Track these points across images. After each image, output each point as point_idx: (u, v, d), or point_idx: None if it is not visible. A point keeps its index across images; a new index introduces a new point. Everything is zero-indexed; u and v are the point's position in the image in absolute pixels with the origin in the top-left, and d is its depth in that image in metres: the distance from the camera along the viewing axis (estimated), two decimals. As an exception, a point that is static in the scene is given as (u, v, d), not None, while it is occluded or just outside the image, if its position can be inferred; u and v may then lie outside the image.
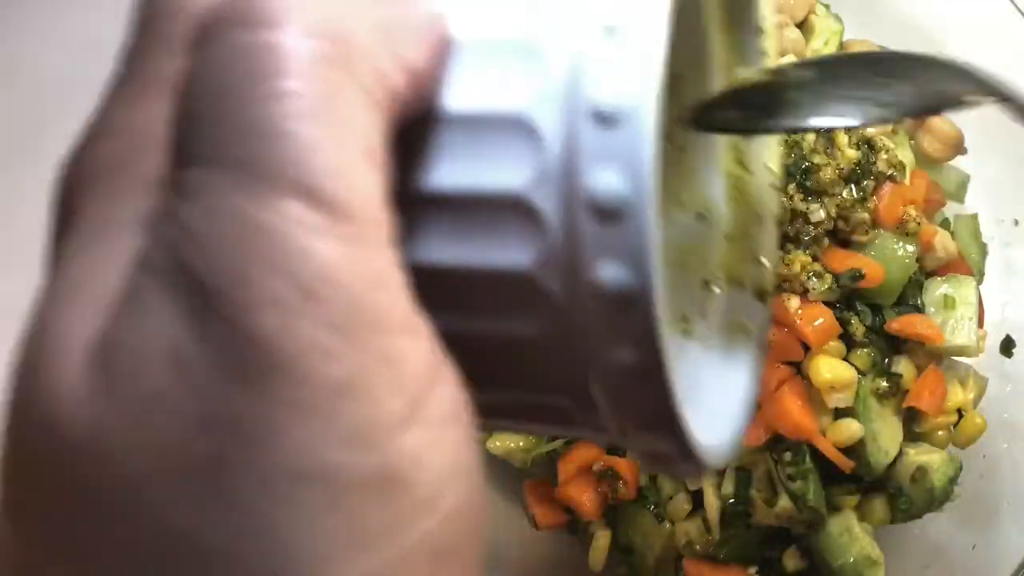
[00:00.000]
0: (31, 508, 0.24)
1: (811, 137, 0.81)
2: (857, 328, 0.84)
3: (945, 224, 0.96)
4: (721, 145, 0.42)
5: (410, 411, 0.24)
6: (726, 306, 0.40)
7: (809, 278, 0.81)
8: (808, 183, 0.79)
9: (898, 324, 0.84)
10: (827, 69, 0.47)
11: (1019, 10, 0.92)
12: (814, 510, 0.82)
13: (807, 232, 0.80)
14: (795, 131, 0.80)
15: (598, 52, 0.25)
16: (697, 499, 0.89)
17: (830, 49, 0.94)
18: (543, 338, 0.27)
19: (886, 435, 0.85)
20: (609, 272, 0.25)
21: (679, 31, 0.27)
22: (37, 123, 1.15)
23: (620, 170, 0.25)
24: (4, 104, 1.15)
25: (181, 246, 0.23)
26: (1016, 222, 0.97)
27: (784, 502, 0.83)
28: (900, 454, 0.86)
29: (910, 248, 0.84)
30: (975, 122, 0.95)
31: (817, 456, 0.83)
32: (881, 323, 0.85)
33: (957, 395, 0.87)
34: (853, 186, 0.81)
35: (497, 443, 0.88)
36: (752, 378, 0.40)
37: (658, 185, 0.25)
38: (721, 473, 0.87)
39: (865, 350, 0.85)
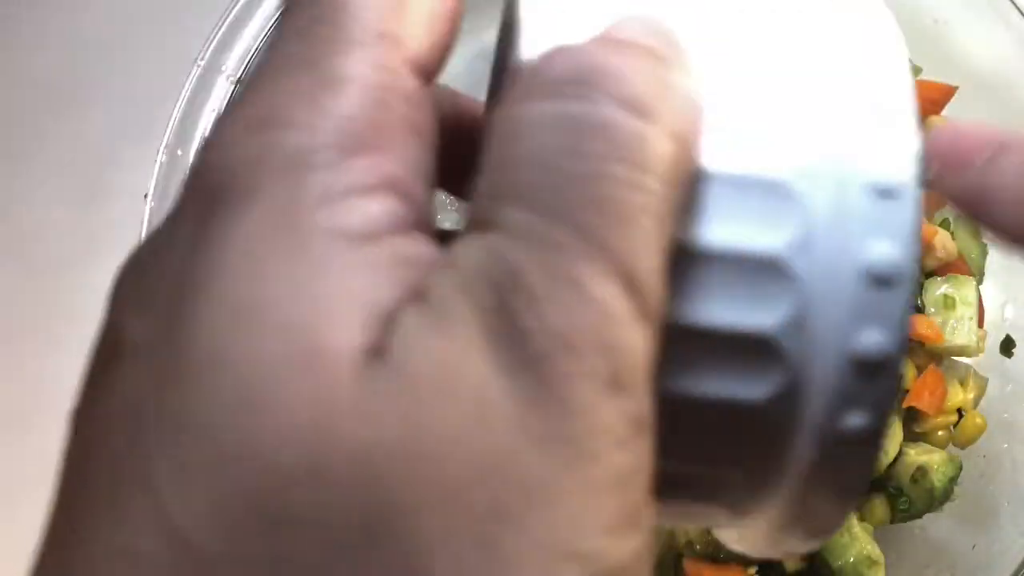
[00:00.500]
0: (258, 521, 0.22)
1: None
2: None
3: (945, 224, 0.96)
4: None
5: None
6: None
7: None
8: None
9: None
10: None
11: (1019, 10, 0.92)
12: None
13: None
14: None
15: (867, 213, 0.27)
16: (697, 499, 0.89)
17: (830, 49, 0.94)
18: (767, 402, 0.27)
19: (886, 435, 0.85)
20: (872, 337, 0.27)
21: None
22: (36, 123, 1.15)
23: (893, 245, 0.27)
24: (4, 104, 1.15)
25: (515, 297, 0.23)
26: (1016, 222, 0.97)
27: (784, 502, 0.83)
28: (900, 454, 0.86)
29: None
30: (975, 122, 0.95)
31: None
32: None
33: (957, 395, 0.87)
34: None
35: (497, 443, 0.88)
36: None
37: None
38: None
39: None
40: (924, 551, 0.90)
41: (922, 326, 0.84)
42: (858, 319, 0.27)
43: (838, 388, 0.27)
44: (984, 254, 0.96)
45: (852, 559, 0.83)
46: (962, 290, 0.87)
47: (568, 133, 0.25)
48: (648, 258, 0.24)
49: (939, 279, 0.88)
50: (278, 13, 0.86)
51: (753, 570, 0.87)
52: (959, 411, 0.88)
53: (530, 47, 0.28)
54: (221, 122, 0.26)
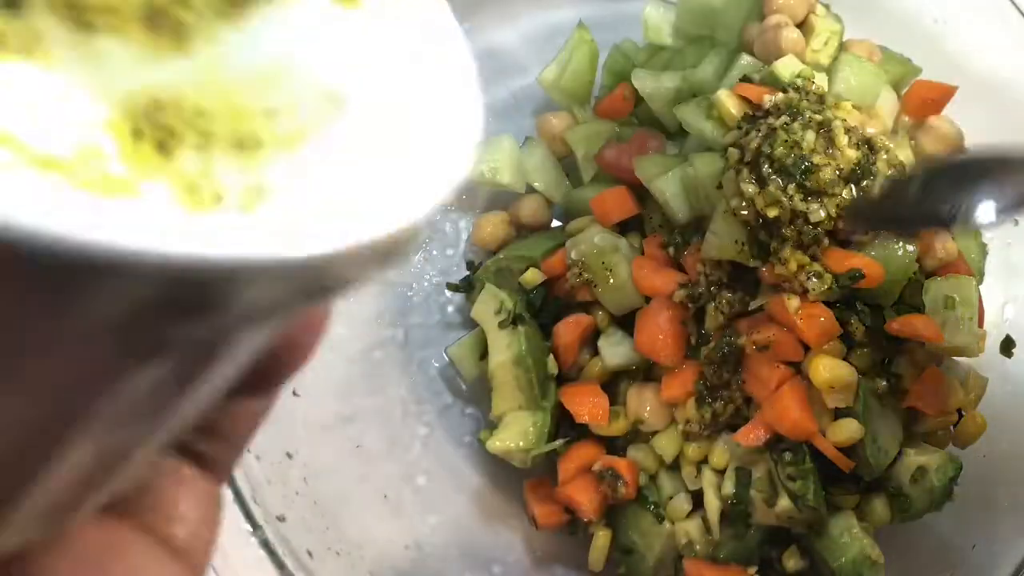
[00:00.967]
0: None
1: (811, 137, 0.81)
2: (857, 328, 0.84)
3: (945, 224, 0.96)
4: None
5: None
6: None
7: (809, 278, 0.81)
8: (808, 183, 0.79)
9: (898, 324, 0.84)
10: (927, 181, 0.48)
11: (1019, 10, 0.92)
12: (814, 510, 0.82)
13: (807, 232, 0.80)
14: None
15: None
16: (697, 499, 0.89)
17: (830, 49, 0.94)
18: None
19: (886, 435, 0.85)
20: None
21: None
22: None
23: None
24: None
25: None
26: (1016, 222, 0.97)
27: (784, 502, 0.83)
28: (900, 454, 0.86)
29: (910, 248, 0.84)
30: (975, 122, 0.95)
31: (817, 456, 0.83)
32: (881, 323, 0.85)
33: (957, 395, 0.87)
34: (853, 186, 0.81)
35: (497, 443, 0.88)
36: None
37: None
38: (721, 473, 0.87)
39: (865, 350, 0.85)
40: (924, 551, 0.90)
41: (922, 326, 0.84)
42: None
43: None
44: (984, 254, 0.97)
45: (852, 559, 0.83)
46: (962, 290, 0.87)
47: None
48: None
49: (939, 279, 0.88)
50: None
51: (753, 570, 0.88)
52: (959, 411, 0.88)
53: None
54: None
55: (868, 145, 0.83)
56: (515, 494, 0.96)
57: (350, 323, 0.97)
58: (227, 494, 0.73)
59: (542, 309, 0.94)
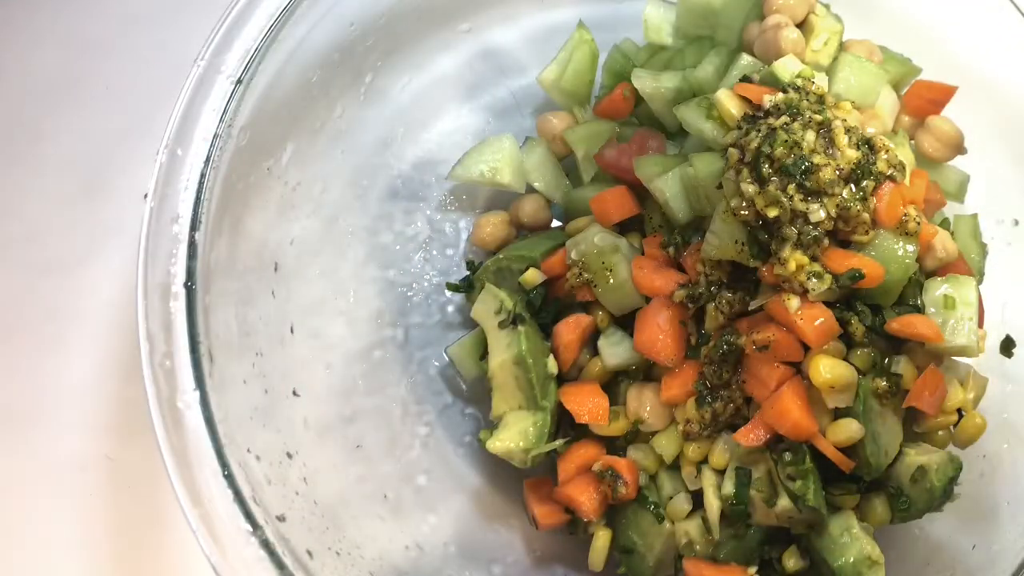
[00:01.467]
0: None
1: (811, 137, 0.81)
2: (857, 328, 0.84)
3: (945, 224, 0.96)
4: None
5: None
6: None
7: (809, 278, 0.81)
8: (808, 183, 0.79)
9: (898, 324, 0.84)
10: None
11: (1019, 10, 0.92)
12: (814, 510, 0.82)
13: (807, 232, 0.80)
14: None
15: None
16: (697, 499, 0.89)
17: (830, 49, 0.94)
18: None
19: (886, 435, 0.85)
20: None
21: None
22: (36, 124, 1.16)
23: None
24: (4, 104, 1.16)
25: None
26: (1016, 222, 0.97)
27: (784, 502, 0.83)
28: (900, 454, 0.86)
29: (910, 248, 0.84)
30: (975, 122, 0.95)
31: (817, 456, 0.83)
32: (881, 323, 0.85)
33: (957, 395, 0.87)
34: (853, 186, 0.81)
35: (497, 443, 0.88)
36: None
37: None
38: (721, 473, 0.87)
39: (865, 350, 0.85)
40: (924, 551, 0.90)
41: (922, 326, 0.84)
42: None
43: None
44: (984, 254, 0.97)
45: (852, 559, 0.83)
46: (962, 290, 0.87)
47: None
48: None
49: (939, 279, 0.88)
50: (279, 13, 0.86)
51: (753, 570, 0.88)
52: (959, 411, 0.88)
53: None
54: None
55: (868, 145, 0.83)
56: (515, 494, 0.96)
57: (350, 323, 0.97)
58: (227, 494, 0.73)
59: (542, 309, 0.94)
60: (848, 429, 0.82)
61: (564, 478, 0.91)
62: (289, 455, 0.85)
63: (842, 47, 0.96)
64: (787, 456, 0.83)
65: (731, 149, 0.83)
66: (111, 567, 0.98)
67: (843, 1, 0.98)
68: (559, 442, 0.90)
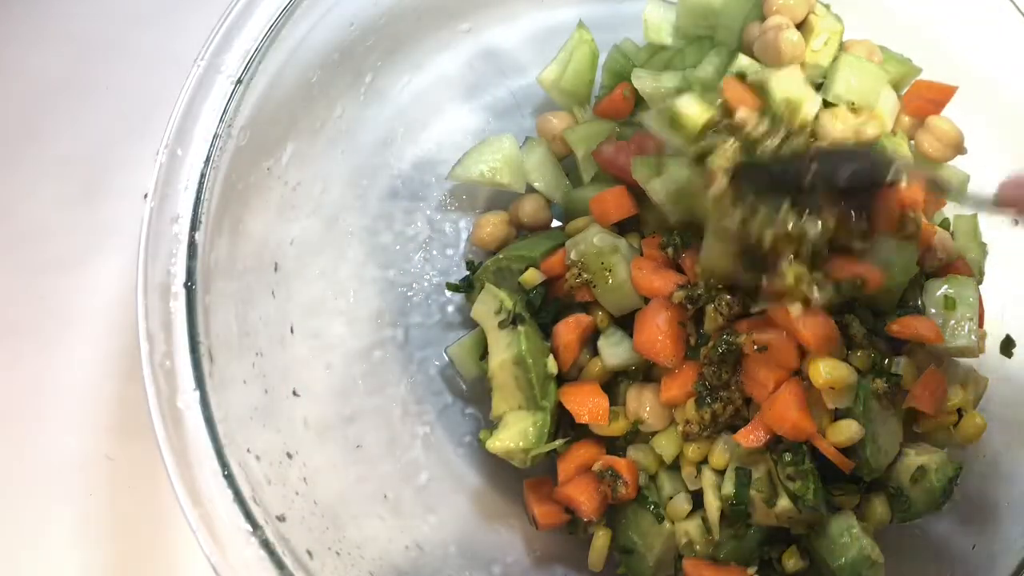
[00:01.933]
0: None
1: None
2: (857, 331, 0.84)
3: (945, 224, 0.96)
4: None
5: None
6: None
7: (810, 287, 0.81)
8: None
9: (898, 326, 0.84)
10: None
11: (1019, 10, 0.92)
12: (814, 510, 0.82)
13: (805, 246, 0.80)
14: None
15: None
16: (697, 499, 0.89)
17: (830, 49, 0.94)
18: None
19: (886, 435, 0.85)
20: None
21: None
22: (36, 123, 1.16)
23: None
24: (4, 104, 1.16)
25: None
26: (1016, 222, 0.97)
27: (784, 502, 0.83)
28: (900, 454, 0.86)
29: (910, 251, 0.84)
30: (975, 122, 0.95)
31: (817, 456, 0.83)
32: (882, 325, 0.85)
33: (957, 395, 0.87)
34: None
35: (497, 443, 0.88)
36: None
37: None
38: (721, 473, 0.87)
39: (865, 351, 0.85)
40: (924, 551, 0.90)
41: (923, 327, 0.84)
42: None
43: None
44: (984, 254, 0.97)
45: (852, 559, 0.83)
46: (962, 291, 0.87)
47: None
48: None
49: (939, 280, 0.88)
50: (279, 13, 0.86)
51: (753, 570, 0.88)
52: (959, 411, 0.88)
53: None
54: None
55: None
56: (515, 494, 0.96)
57: (350, 323, 0.97)
58: (227, 494, 0.73)
59: (542, 309, 0.94)
60: (848, 430, 0.82)
61: (564, 478, 0.91)
62: (289, 455, 0.85)
63: (842, 47, 0.96)
64: (787, 456, 0.83)
65: (716, 167, 0.82)
66: (111, 567, 0.98)
67: (843, 1, 0.98)
68: (559, 442, 0.90)
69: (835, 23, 0.95)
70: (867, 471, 0.84)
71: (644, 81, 0.96)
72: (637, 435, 0.92)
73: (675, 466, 0.90)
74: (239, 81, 0.82)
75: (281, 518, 0.78)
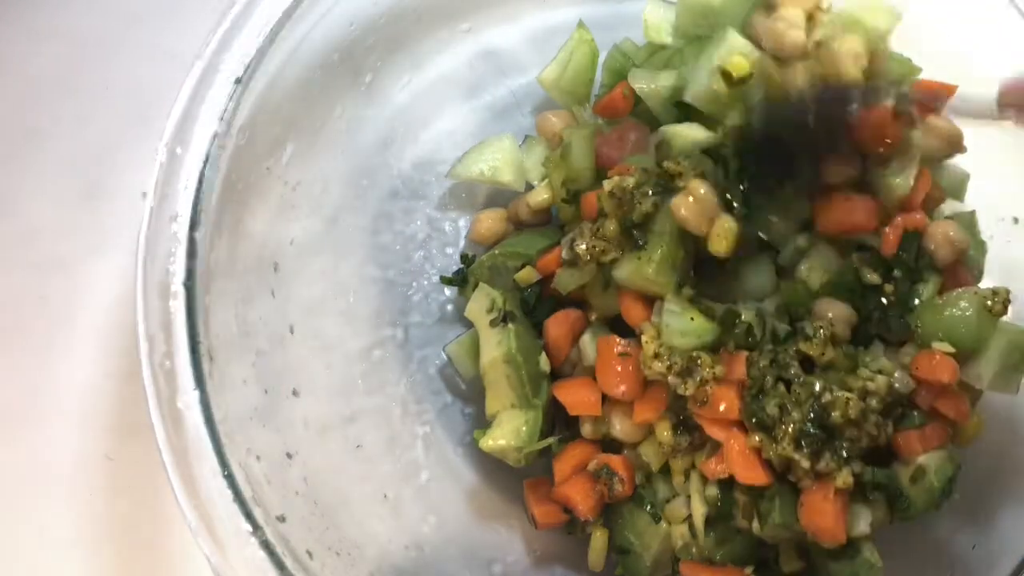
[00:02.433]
0: None
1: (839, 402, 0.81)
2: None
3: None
4: None
5: None
6: None
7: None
8: (827, 422, 0.81)
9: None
10: None
11: (1019, 10, 0.92)
12: (781, 527, 0.82)
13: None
14: None
15: None
16: (697, 499, 0.89)
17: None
18: None
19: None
20: None
21: None
22: (36, 123, 1.15)
23: None
24: (4, 104, 1.15)
25: None
26: (1016, 220, 0.97)
27: (756, 524, 0.84)
28: (900, 455, 0.86)
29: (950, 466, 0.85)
30: (974, 121, 0.95)
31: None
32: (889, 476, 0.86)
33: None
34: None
35: (490, 441, 0.88)
36: None
37: None
38: (705, 481, 0.87)
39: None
40: (924, 551, 0.90)
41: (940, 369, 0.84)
42: None
43: None
44: (984, 252, 0.96)
45: (851, 562, 0.83)
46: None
47: None
48: None
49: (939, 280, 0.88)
50: (279, 14, 0.86)
51: (750, 570, 0.87)
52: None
53: None
54: None
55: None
56: (515, 494, 0.96)
57: (350, 323, 0.97)
58: (227, 494, 0.73)
59: (536, 307, 0.94)
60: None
61: (560, 478, 0.91)
62: (289, 455, 0.85)
63: (842, 47, 0.95)
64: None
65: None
66: (111, 567, 0.98)
67: (843, 1, 0.98)
68: (551, 439, 0.90)
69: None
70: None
71: (640, 80, 0.96)
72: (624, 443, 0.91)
73: (669, 469, 0.90)
74: (239, 81, 0.82)
75: (281, 518, 0.78)
